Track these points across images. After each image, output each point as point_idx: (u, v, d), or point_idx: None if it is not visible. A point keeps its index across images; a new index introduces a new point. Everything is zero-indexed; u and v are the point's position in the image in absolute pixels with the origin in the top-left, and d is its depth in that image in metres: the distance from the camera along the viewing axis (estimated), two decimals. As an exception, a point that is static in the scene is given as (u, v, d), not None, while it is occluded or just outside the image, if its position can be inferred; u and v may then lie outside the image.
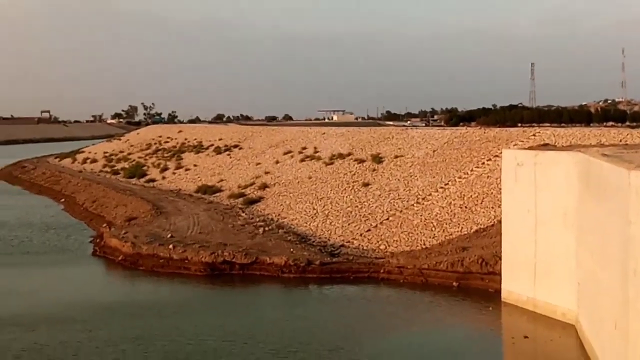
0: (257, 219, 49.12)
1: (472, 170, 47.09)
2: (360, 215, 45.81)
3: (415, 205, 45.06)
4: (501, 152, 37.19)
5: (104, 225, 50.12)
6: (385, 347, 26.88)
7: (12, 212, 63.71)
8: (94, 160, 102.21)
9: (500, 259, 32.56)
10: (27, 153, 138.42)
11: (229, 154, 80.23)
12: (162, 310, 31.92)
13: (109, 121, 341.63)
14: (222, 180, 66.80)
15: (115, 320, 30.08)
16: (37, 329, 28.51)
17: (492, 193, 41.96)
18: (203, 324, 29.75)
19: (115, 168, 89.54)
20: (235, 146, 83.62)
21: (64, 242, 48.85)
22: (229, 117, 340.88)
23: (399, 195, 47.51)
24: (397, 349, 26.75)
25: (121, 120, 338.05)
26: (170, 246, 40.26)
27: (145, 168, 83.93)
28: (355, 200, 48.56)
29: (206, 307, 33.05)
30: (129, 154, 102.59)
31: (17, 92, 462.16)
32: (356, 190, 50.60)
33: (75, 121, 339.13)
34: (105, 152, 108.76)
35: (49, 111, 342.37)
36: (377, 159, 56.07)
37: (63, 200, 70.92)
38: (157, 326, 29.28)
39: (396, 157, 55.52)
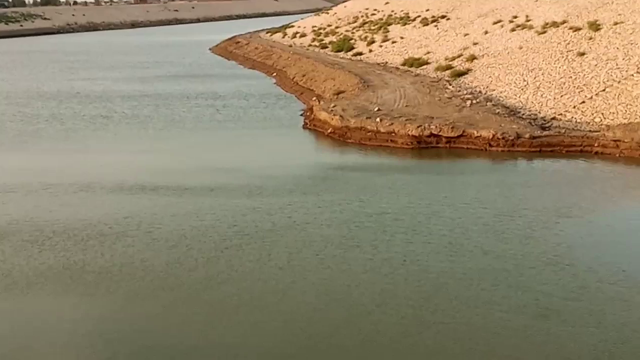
0: (465, 92, 48.32)
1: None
2: (574, 86, 43.65)
3: (635, 75, 42.12)
4: None
5: (314, 98, 51.58)
6: (618, 215, 26.81)
7: (230, 85, 67.19)
8: (303, 35, 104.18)
9: None
10: (241, 28, 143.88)
11: (436, 25, 78.60)
12: (372, 180, 32.72)
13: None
14: (428, 53, 65.91)
15: (332, 187, 31.63)
16: (253, 196, 30.31)
17: None
18: (418, 192, 30.63)
19: (324, 42, 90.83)
20: (443, 17, 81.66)
21: (277, 114, 51.00)
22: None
23: (617, 64, 44.55)
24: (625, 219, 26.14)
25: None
26: (378, 119, 40.81)
27: (352, 41, 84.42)
28: (569, 71, 46.19)
29: (417, 179, 33.43)
30: (337, 27, 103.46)
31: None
32: (570, 60, 48.03)
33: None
34: (313, 27, 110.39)
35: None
36: (595, 26, 52.50)
37: (274, 74, 73.51)
38: (374, 193, 30.59)
39: (615, 23, 51.68)
